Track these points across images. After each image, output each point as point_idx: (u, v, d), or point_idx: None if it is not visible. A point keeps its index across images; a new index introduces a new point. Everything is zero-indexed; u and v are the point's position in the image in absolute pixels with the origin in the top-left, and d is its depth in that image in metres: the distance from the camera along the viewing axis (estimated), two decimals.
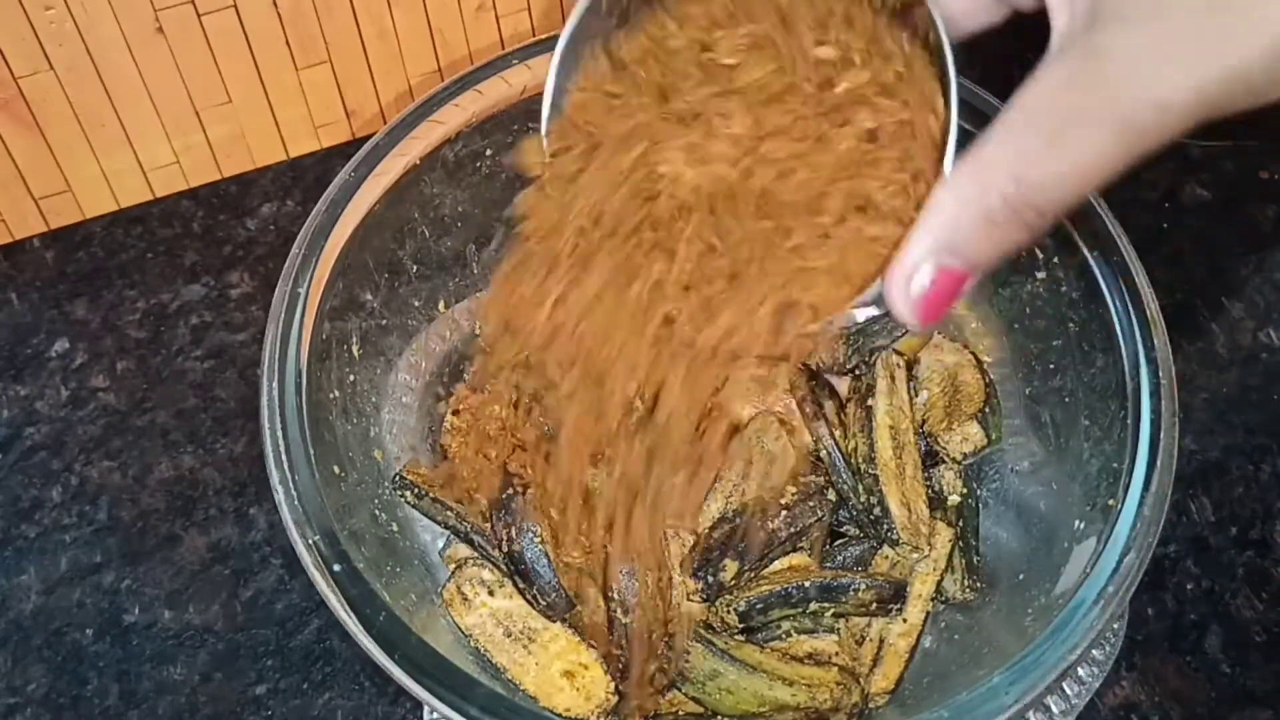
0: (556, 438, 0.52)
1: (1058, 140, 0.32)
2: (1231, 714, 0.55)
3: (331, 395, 0.55)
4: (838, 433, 0.57)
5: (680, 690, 0.52)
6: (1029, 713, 0.47)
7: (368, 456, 0.56)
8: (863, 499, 0.56)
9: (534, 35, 0.71)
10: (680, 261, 0.38)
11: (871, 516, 0.56)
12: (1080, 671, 0.50)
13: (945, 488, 0.58)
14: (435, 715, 0.47)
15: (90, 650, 0.57)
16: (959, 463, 0.58)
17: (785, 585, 0.53)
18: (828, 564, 0.55)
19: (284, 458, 0.49)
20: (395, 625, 0.46)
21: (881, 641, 0.54)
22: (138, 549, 0.60)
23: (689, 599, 0.53)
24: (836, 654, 0.53)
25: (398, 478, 0.57)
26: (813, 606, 0.53)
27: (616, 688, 0.51)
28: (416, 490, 0.56)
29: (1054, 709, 0.49)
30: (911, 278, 0.35)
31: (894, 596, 0.53)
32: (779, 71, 0.39)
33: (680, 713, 0.52)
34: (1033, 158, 0.32)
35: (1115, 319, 0.52)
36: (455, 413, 0.58)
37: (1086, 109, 0.32)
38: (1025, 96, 0.33)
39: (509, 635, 0.54)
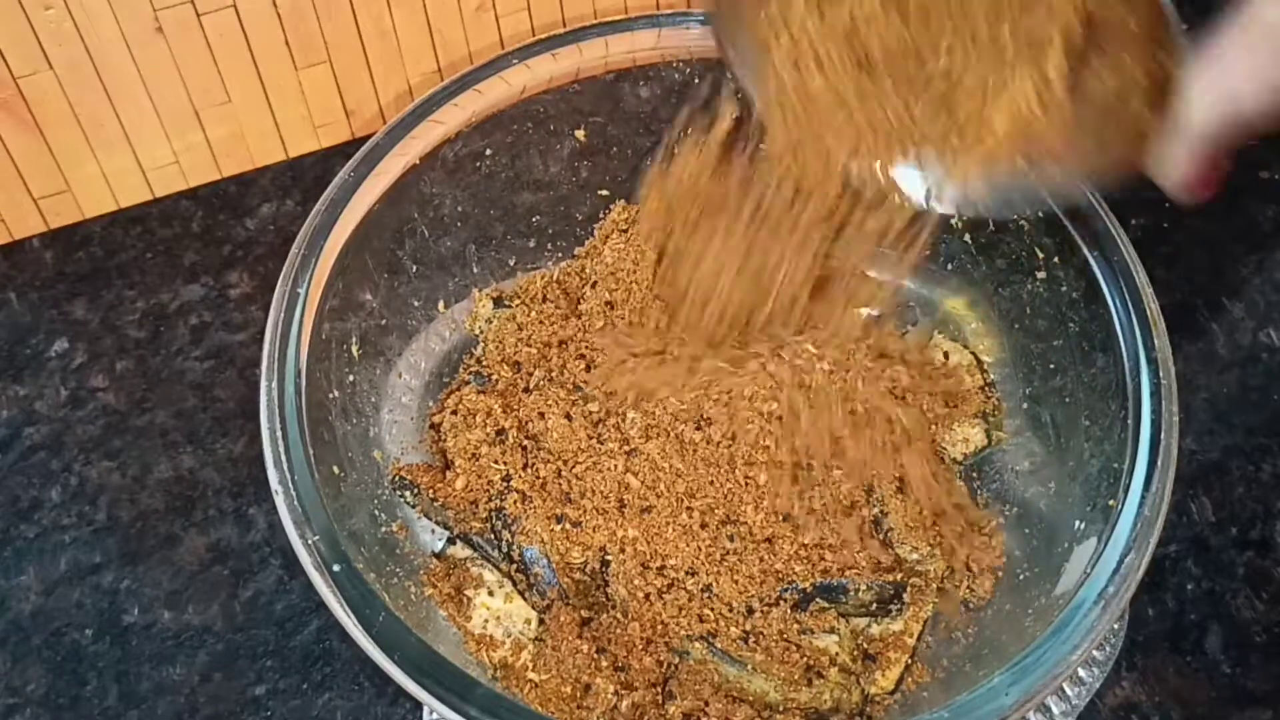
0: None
1: None
2: (1232, 714, 0.55)
3: (331, 395, 0.55)
4: None
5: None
6: (1029, 713, 0.47)
7: (367, 456, 0.56)
8: None
9: (534, 35, 0.71)
10: None
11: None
12: (1080, 672, 0.50)
13: None
14: (435, 715, 0.47)
15: (90, 650, 0.57)
16: (959, 463, 0.58)
17: (785, 586, 0.53)
18: None
19: (283, 458, 0.49)
20: (395, 625, 0.46)
21: (882, 642, 0.54)
22: (137, 549, 0.60)
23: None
24: (836, 654, 0.53)
25: (397, 478, 0.57)
26: (813, 607, 0.53)
27: (616, 689, 0.51)
28: (416, 490, 0.56)
29: (1054, 709, 0.49)
30: (1178, 171, 0.43)
31: (894, 596, 0.53)
32: None
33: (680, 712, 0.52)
34: (1273, 74, 0.38)
35: (1115, 319, 0.52)
36: (454, 412, 0.58)
37: None
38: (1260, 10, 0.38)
39: (509, 635, 0.54)
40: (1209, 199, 0.45)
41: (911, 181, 0.48)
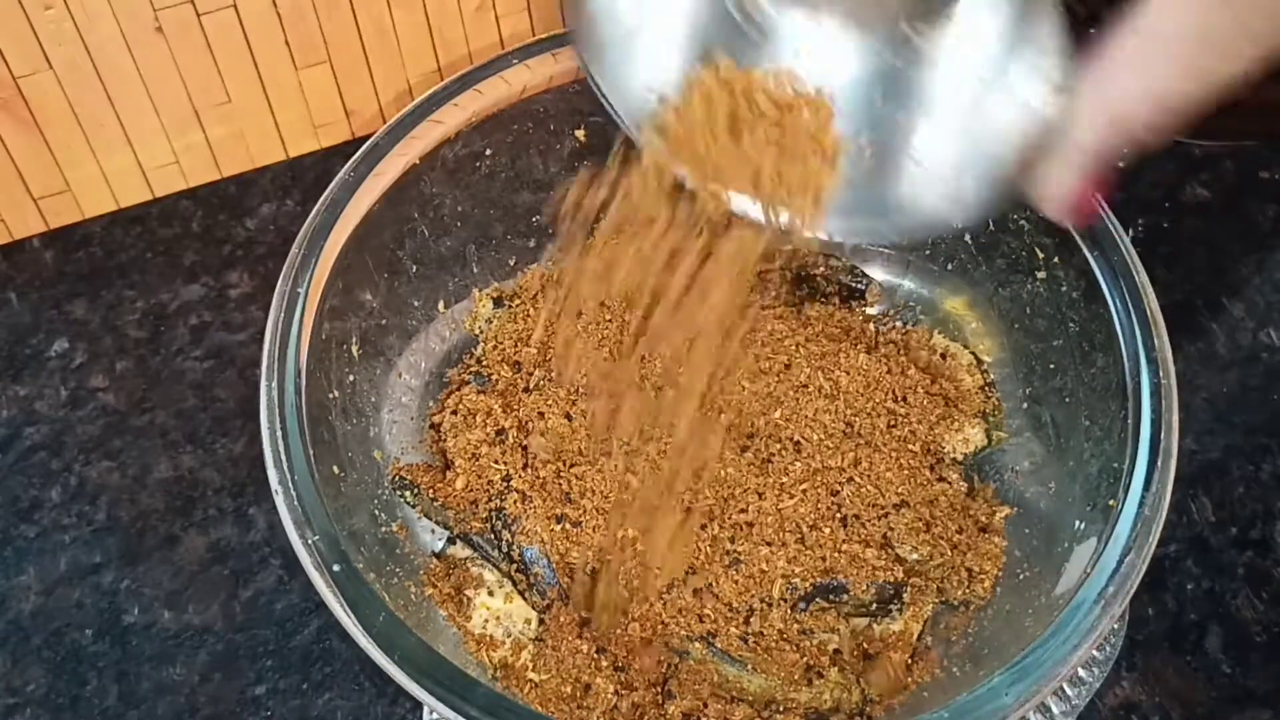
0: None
1: (1195, 68, 0.36)
2: (1231, 714, 0.55)
3: (331, 395, 0.55)
4: None
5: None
6: (1029, 713, 0.47)
7: (367, 456, 0.56)
8: None
9: (534, 35, 0.71)
10: None
11: None
12: (1081, 672, 0.50)
13: None
14: (435, 715, 0.47)
15: (90, 650, 0.57)
16: (959, 463, 0.58)
17: (785, 586, 0.53)
18: None
19: (283, 458, 0.49)
20: (395, 625, 0.46)
21: (882, 642, 0.54)
22: (137, 549, 0.60)
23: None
24: (836, 654, 0.53)
25: (397, 478, 0.57)
26: (813, 607, 0.53)
27: (616, 689, 0.51)
28: (416, 490, 0.56)
29: (1054, 709, 0.49)
30: (1060, 191, 0.41)
31: (894, 596, 0.53)
32: None
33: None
34: (1166, 89, 0.36)
35: (1115, 319, 0.52)
36: (454, 412, 0.58)
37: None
38: (1155, 21, 0.36)
39: (509, 635, 0.54)
40: (1088, 222, 0.45)
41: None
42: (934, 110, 0.45)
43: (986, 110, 0.44)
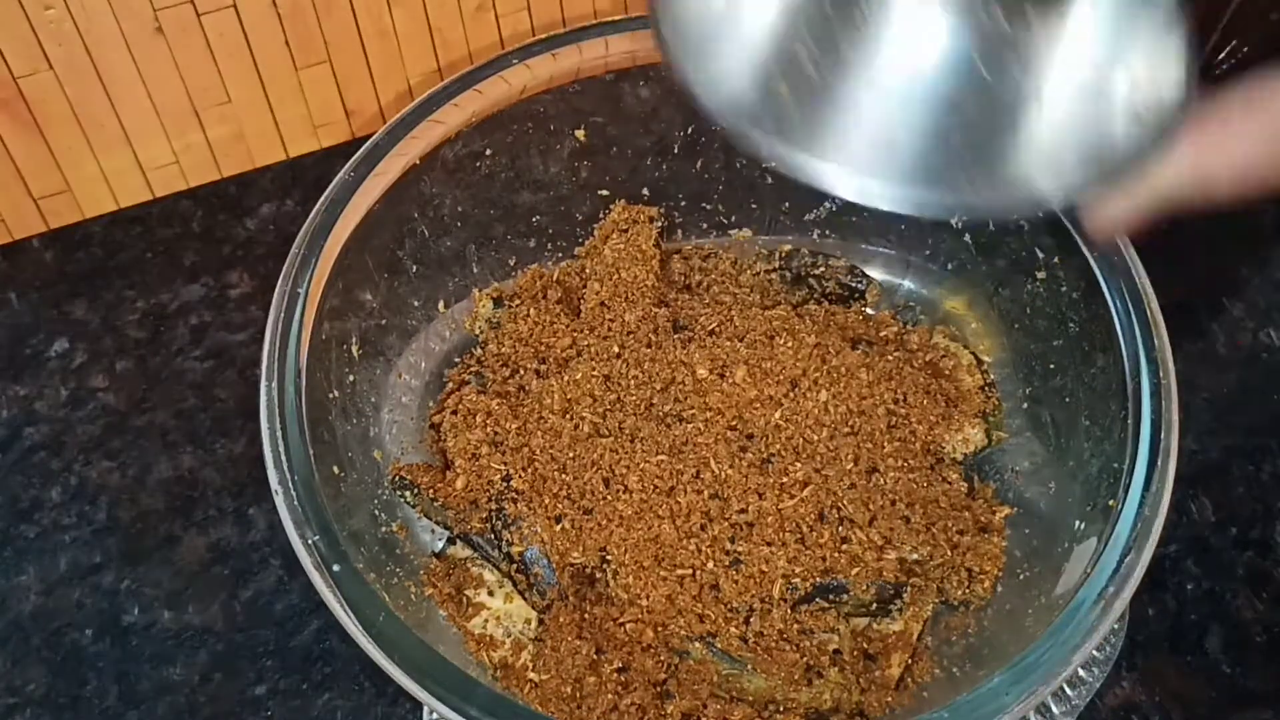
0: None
1: None
2: (1232, 714, 0.55)
3: (331, 395, 0.55)
4: None
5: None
6: (1029, 713, 0.47)
7: (367, 456, 0.56)
8: None
9: (534, 35, 0.71)
10: None
11: None
12: (1080, 672, 0.50)
13: None
14: (435, 715, 0.47)
15: (90, 650, 0.57)
16: (959, 463, 0.58)
17: (785, 586, 0.53)
18: None
19: (283, 458, 0.49)
20: (395, 626, 0.46)
21: (882, 642, 0.54)
22: (137, 549, 0.60)
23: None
24: (837, 654, 0.53)
25: (397, 478, 0.57)
26: (813, 607, 0.53)
27: (616, 689, 0.51)
28: (416, 490, 0.56)
29: (1055, 709, 0.49)
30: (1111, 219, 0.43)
31: (894, 596, 0.53)
32: None
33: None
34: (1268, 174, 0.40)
35: (1115, 319, 0.52)
36: (454, 412, 0.58)
37: None
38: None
39: (509, 635, 0.54)
40: (1106, 241, 0.45)
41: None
42: (1044, 80, 0.41)
43: (1101, 93, 0.41)
